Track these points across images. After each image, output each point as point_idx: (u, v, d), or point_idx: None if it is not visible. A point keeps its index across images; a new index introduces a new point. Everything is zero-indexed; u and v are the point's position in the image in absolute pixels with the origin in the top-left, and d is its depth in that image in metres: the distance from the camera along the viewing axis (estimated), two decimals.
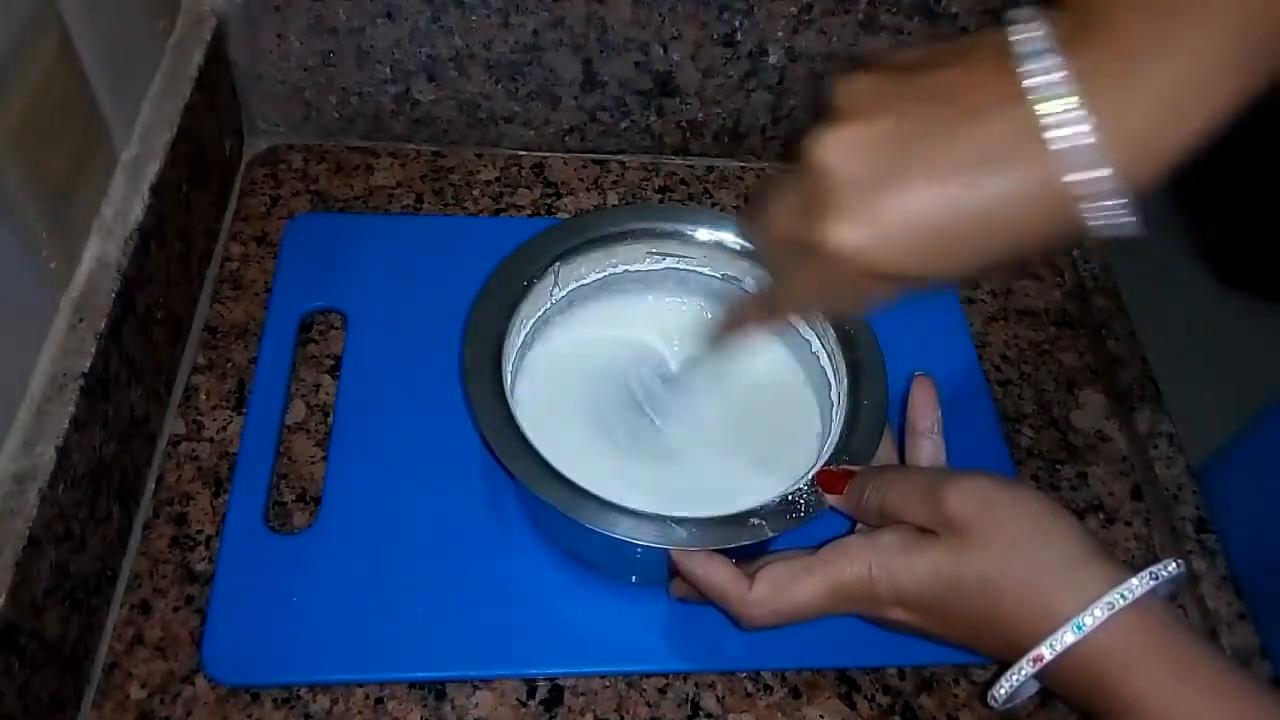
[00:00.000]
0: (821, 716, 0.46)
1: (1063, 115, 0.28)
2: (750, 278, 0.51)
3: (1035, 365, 0.60)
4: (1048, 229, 0.30)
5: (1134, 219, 0.29)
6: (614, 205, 0.64)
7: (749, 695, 0.46)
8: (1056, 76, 0.29)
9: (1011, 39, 0.30)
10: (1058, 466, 0.56)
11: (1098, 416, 0.58)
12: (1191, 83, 0.28)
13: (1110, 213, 0.29)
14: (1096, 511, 0.55)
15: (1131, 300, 0.63)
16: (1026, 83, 0.29)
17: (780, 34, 0.61)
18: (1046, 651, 0.35)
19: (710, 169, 0.67)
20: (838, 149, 0.32)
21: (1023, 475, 0.55)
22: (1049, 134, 0.29)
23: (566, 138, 0.67)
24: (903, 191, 0.31)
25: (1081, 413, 0.59)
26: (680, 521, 0.41)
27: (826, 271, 0.33)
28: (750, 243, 0.49)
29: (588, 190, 0.65)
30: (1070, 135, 0.28)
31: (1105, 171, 0.28)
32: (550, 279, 0.49)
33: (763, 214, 0.37)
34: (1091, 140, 0.28)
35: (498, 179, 0.65)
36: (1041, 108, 0.29)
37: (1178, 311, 1.43)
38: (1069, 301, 0.64)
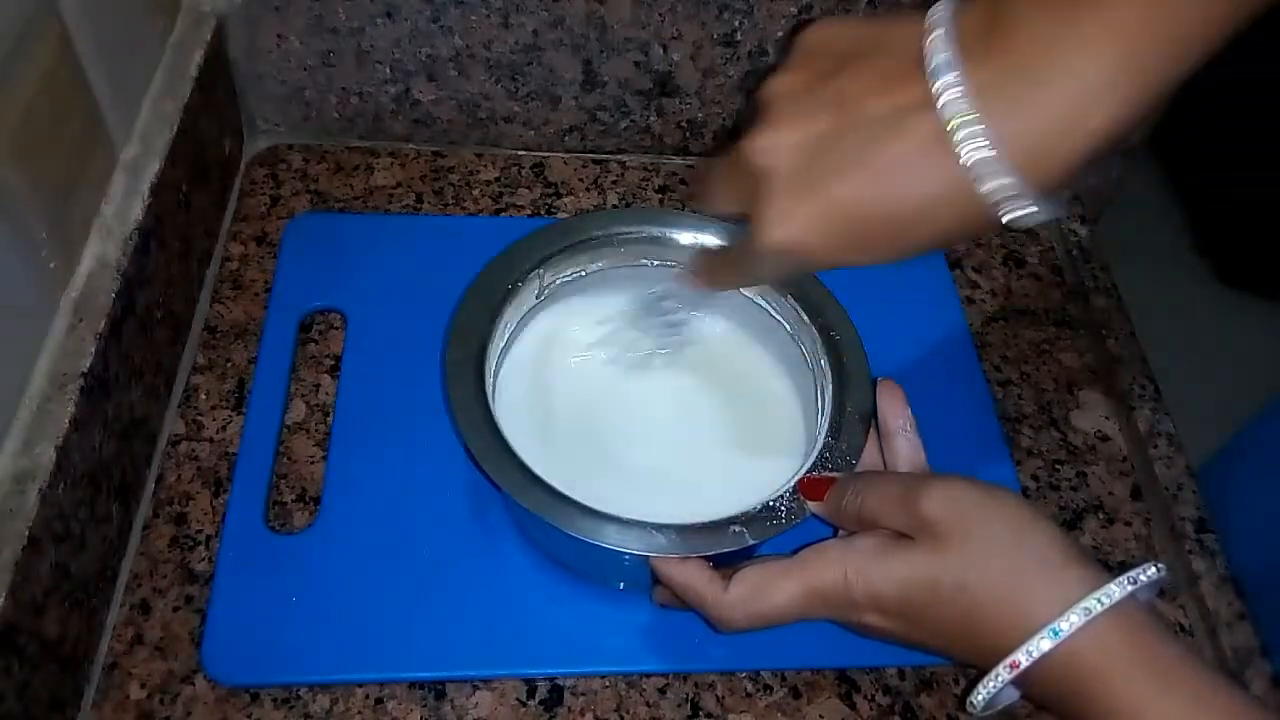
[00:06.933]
0: (821, 716, 0.46)
1: (966, 129, 0.30)
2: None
3: (1035, 365, 0.60)
4: (961, 225, 0.33)
5: (1042, 214, 0.31)
6: (597, 209, 0.64)
7: (749, 695, 0.46)
8: (958, 90, 0.30)
9: (923, 49, 0.32)
10: (1058, 466, 0.56)
11: (1098, 416, 0.59)
12: (1091, 90, 0.30)
13: (1018, 211, 0.31)
14: (1096, 511, 0.55)
15: (1131, 300, 0.63)
16: (935, 95, 0.31)
17: (780, 34, 0.61)
18: (1023, 658, 0.34)
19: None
20: (765, 152, 0.35)
21: (1023, 475, 0.55)
22: (955, 145, 0.31)
23: (566, 138, 0.67)
24: (822, 193, 0.34)
25: (1081, 413, 0.59)
26: (661, 528, 0.41)
27: (761, 254, 0.36)
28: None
29: (588, 190, 0.65)
30: (972, 147, 0.30)
31: (1007, 180, 0.30)
32: (534, 283, 0.49)
33: (706, 194, 0.41)
34: (991, 153, 0.30)
35: (498, 179, 0.65)
36: (948, 120, 0.31)
37: (1178, 311, 1.43)
38: (1069, 301, 0.64)
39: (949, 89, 0.31)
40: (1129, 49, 0.29)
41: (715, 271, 0.44)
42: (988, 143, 0.30)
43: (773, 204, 0.35)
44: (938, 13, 0.32)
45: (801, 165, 0.34)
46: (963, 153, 0.30)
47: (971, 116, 0.30)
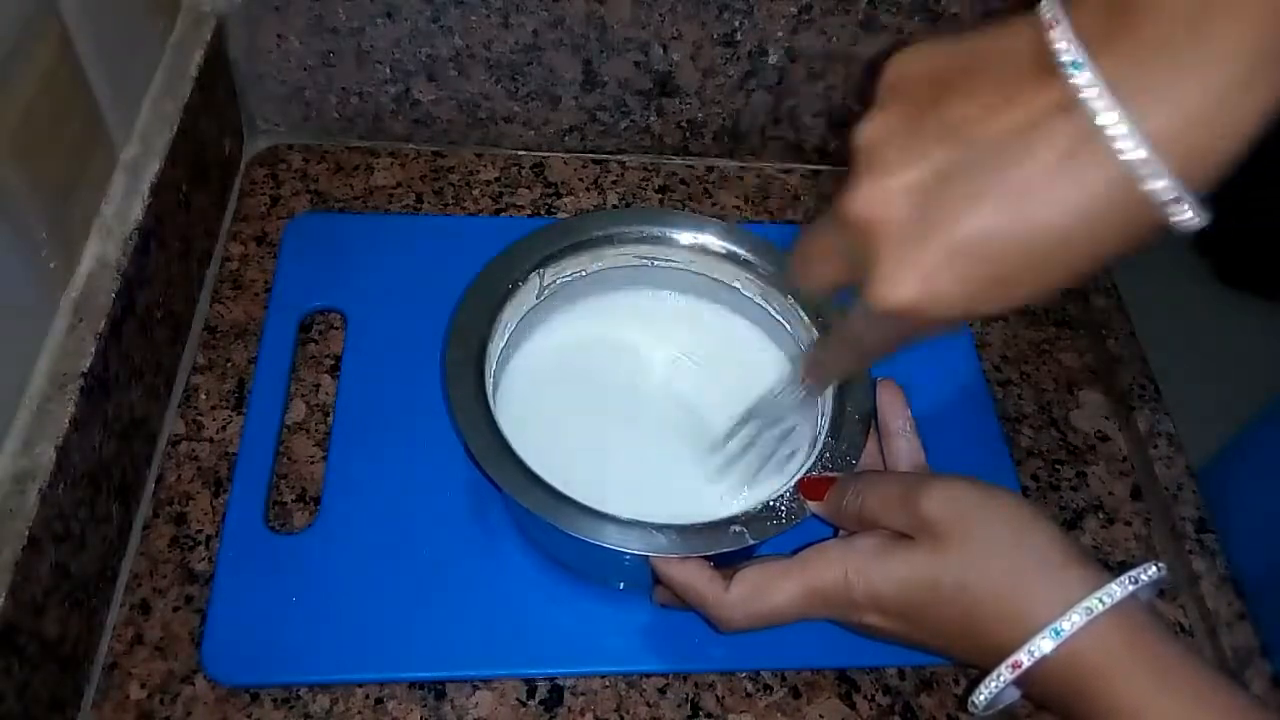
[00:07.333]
0: (821, 716, 0.46)
1: (1117, 125, 0.26)
2: (737, 281, 0.51)
3: (1035, 365, 0.60)
4: (1120, 238, 0.28)
5: (1199, 216, 0.28)
6: (597, 209, 0.64)
7: (749, 695, 0.46)
8: (1099, 86, 0.26)
9: (1050, 44, 0.27)
10: (1058, 466, 0.56)
11: (1098, 416, 0.58)
12: (1242, 67, 0.26)
13: (1175, 213, 0.27)
14: (1096, 511, 0.55)
15: (1131, 300, 0.63)
16: (1074, 93, 0.27)
17: (780, 34, 0.61)
18: (1024, 658, 0.34)
19: (710, 169, 0.67)
20: (871, 203, 0.30)
21: (1023, 475, 0.55)
22: (1110, 144, 0.27)
23: (566, 138, 0.67)
24: (948, 233, 0.29)
25: (1081, 413, 0.59)
26: (661, 528, 0.41)
27: (884, 322, 0.33)
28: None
29: (588, 190, 0.65)
30: (1127, 145, 0.26)
31: (1162, 181, 0.27)
32: (534, 283, 0.49)
33: (805, 268, 0.36)
34: (1143, 153, 0.26)
35: (498, 179, 0.65)
36: (1094, 118, 0.27)
37: (1178, 311, 1.43)
38: (1069, 301, 0.64)
39: (1090, 85, 0.26)
40: (1276, 15, 0.25)
41: (825, 361, 0.41)
42: (1135, 140, 0.26)
43: (888, 259, 0.30)
44: (1051, 6, 0.28)
45: (919, 209, 0.29)
46: (1121, 150, 0.26)
47: (1114, 115, 0.26)
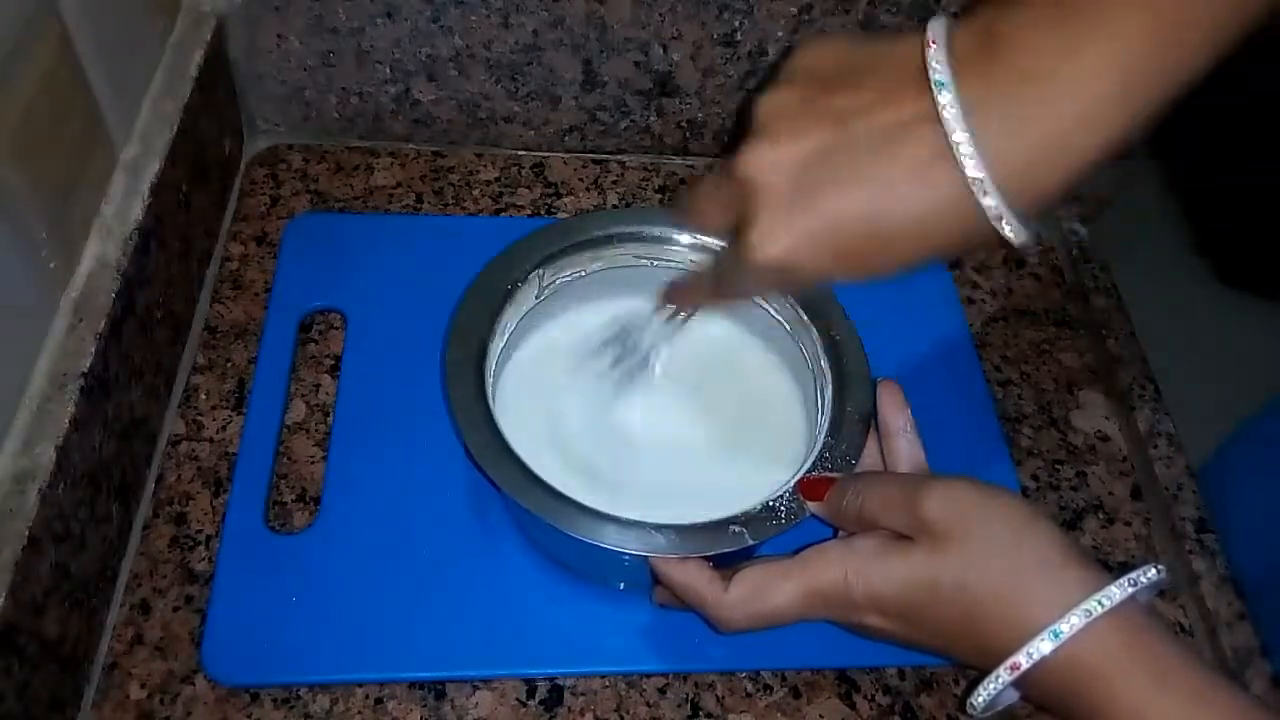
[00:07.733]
0: (821, 716, 0.46)
1: (968, 144, 0.30)
2: None
3: (1035, 365, 0.60)
4: (956, 240, 0.33)
5: (1022, 235, 0.31)
6: (597, 209, 0.64)
7: (749, 695, 0.46)
8: (957, 106, 0.30)
9: (926, 61, 0.31)
10: (1058, 466, 0.56)
11: (1098, 416, 0.59)
12: (1086, 111, 0.30)
13: (1001, 228, 0.31)
14: (1096, 511, 0.55)
15: (1131, 300, 0.63)
16: (939, 109, 0.31)
17: (780, 34, 0.61)
18: (1024, 659, 0.34)
19: (710, 169, 0.67)
20: (759, 167, 0.34)
21: (1023, 475, 0.55)
22: (960, 159, 0.30)
23: (566, 138, 0.67)
24: (818, 208, 0.33)
25: (1081, 413, 0.59)
26: (661, 528, 0.41)
27: (751, 271, 0.36)
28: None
29: (588, 190, 0.65)
30: (964, 163, 0.30)
31: (992, 199, 0.31)
32: (534, 283, 0.49)
33: (695, 209, 0.40)
34: (980, 172, 0.30)
35: (498, 179, 0.65)
36: (951, 134, 0.30)
37: (1178, 311, 1.42)
38: (1069, 301, 0.64)
39: (950, 104, 0.30)
40: (1128, 66, 0.29)
41: (696, 290, 0.44)
42: (975, 160, 0.30)
43: (765, 219, 0.34)
44: (936, 26, 0.32)
45: (796, 180, 0.34)
46: (964, 166, 0.30)
47: (965, 136, 0.30)
